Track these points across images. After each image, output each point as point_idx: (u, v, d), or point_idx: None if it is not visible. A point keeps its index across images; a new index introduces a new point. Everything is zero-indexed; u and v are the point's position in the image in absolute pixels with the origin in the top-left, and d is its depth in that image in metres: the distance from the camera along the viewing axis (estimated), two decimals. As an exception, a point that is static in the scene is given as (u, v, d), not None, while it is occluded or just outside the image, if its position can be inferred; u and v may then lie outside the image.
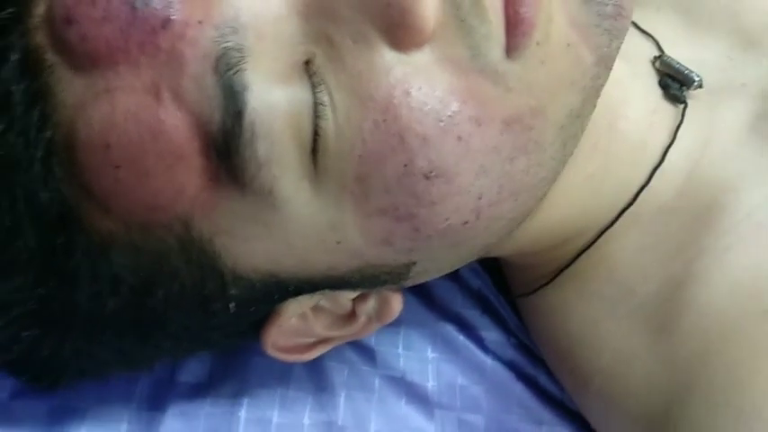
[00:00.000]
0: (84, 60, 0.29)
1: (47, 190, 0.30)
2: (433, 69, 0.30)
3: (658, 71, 0.43)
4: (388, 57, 0.30)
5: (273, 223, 0.31)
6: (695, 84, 0.41)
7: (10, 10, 0.29)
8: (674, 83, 0.42)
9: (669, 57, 0.42)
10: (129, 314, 0.33)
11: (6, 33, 0.29)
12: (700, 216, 0.40)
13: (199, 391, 0.44)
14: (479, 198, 0.32)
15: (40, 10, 0.29)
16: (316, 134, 0.30)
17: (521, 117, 0.32)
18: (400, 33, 0.29)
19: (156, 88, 0.29)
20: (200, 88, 0.28)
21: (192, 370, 0.45)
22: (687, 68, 0.42)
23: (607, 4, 0.32)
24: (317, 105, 0.30)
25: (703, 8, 0.45)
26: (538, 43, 0.31)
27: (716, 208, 0.40)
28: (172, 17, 0.28)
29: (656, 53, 0.43)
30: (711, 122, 0.42)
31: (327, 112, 0.30)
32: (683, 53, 0.43)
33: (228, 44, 0.29)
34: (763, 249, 0.38)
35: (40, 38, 0.29)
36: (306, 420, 0.45)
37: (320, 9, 0.30)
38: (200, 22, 0.28)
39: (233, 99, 0.28)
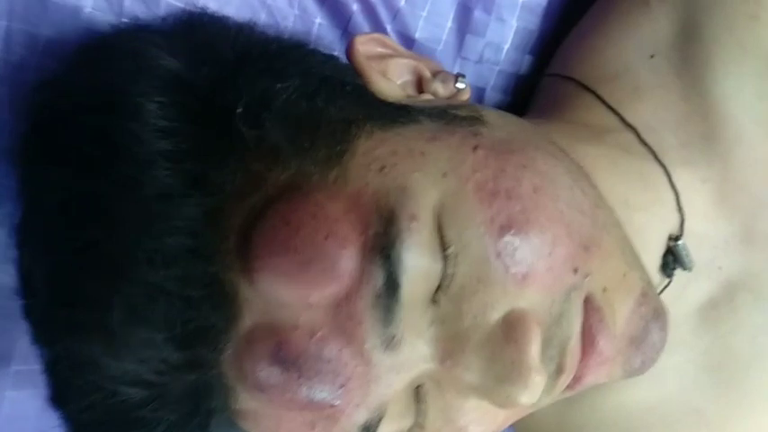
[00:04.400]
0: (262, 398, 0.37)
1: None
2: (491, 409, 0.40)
3: (668, 247, 0.49)
4: (473, 403, 0.39)
5: None
6: (687, 269, 0.49)
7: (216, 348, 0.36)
8: (673, 263, 0.49)
9: (684, 244, 0.49)
10: None
11: (208, 359, 0.36)
12: None
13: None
14: None
15: (229, 351, 0.37)
16: None
17: None
18: (499, 402, 0.38)
19: (312, 425, 0.38)
20: None
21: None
22: (690, 257, 0.49)
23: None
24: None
25: (736, 198, 0.49)
26: None
27: None
28: (336, 403, 0.37)
29: (677, 232, 0.49)
30: (678, 294, 0.50)
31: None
32: (694, 225, 0.49)
33: (373, 418, 0.38)
34: (653, 395, 0.52)
35: (227, 366, 0.37)
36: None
37: (444, 378, 0.38)
38: (357, 405, 0.37)
39: None
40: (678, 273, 0.50)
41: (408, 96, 0.44)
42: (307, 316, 0.36)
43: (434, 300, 0.37)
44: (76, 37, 0.45)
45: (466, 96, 0.46)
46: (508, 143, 0.40)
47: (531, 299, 0.38)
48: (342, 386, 0.36)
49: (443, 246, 0.36)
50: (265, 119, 0.37)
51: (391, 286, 0.35)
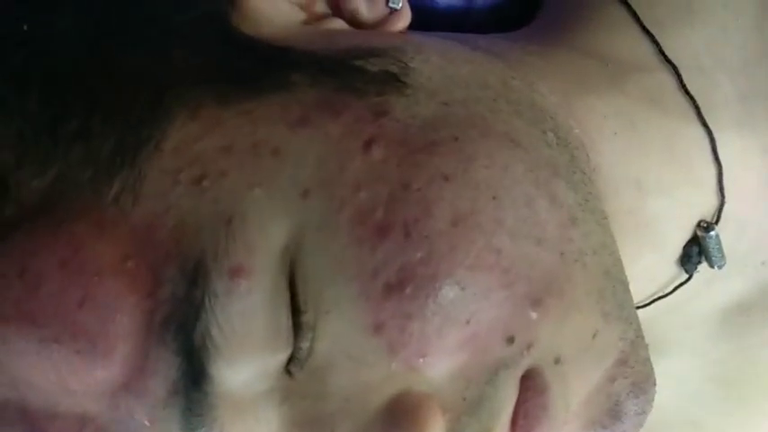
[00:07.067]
0: None
1: None
2: None
3: (694, 235, 0.36)
4: None
5: None
6: (715, 267, 0.37)
7: None
8: (698, 256, 0.37)
9: (716, 236, 0.36)
10: None
11: None
12: None
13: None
14: None
15: None
16: None
17: None
18: None
19: None
20: None
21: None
22: (722, 253, 0.36)
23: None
24: None
25: None
26: None
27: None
28: None
29: (711, 218, 0.36)
30: (699, 290, 0.39)
31: None
32: (737, 208, 0.37)
33: None
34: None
35: None
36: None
37: None
38: None
39: None
40: (703, 268, 0.38)
41: (301, 24, 0.29)
42: (70, 403, 0.24)
43: (288, 371, 0.25)
44: None
45: (400, 25, 0.31)
46: (432, 128, 0.26)
47: (433, 381, 0.25)
48: None
49: (294, 309, 0.24)
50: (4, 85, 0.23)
51: (194, 379, 0.23)
